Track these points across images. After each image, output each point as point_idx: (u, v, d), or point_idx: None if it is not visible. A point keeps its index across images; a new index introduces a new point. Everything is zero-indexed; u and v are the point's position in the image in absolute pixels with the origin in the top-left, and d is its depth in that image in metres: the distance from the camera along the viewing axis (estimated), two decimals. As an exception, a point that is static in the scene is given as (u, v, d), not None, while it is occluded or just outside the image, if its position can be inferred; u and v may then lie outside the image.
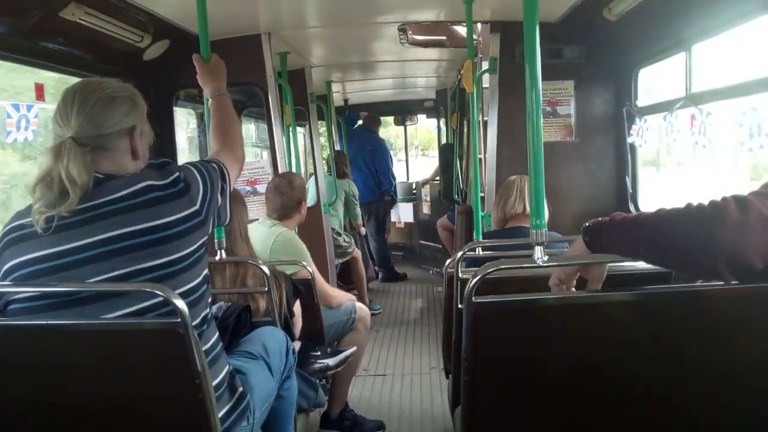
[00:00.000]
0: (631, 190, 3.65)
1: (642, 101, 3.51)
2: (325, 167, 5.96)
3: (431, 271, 7.12)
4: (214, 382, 1.60)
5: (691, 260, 1.24)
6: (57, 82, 2.93)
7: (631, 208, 3.62)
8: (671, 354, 1.41)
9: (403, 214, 7.94)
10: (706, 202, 1.23)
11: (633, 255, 1.34)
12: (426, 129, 13.85)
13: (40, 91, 2.71)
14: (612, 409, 1.46)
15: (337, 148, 6.69)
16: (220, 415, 1.58)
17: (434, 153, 10.61)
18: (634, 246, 1.32)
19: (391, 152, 7.90)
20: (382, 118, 7.75)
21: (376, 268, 7.04)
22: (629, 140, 3.55)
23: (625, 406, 1.45)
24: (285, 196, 3.28)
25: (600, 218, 1.41)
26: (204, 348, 1.56)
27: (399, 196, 7.69)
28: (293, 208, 3.32)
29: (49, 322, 1.47)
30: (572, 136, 3.69)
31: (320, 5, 3.53)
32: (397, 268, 7.17)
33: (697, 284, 1.47)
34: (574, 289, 1.51)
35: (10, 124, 2.57)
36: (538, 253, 1.43)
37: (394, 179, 7.17)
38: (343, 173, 6.08)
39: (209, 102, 2.16)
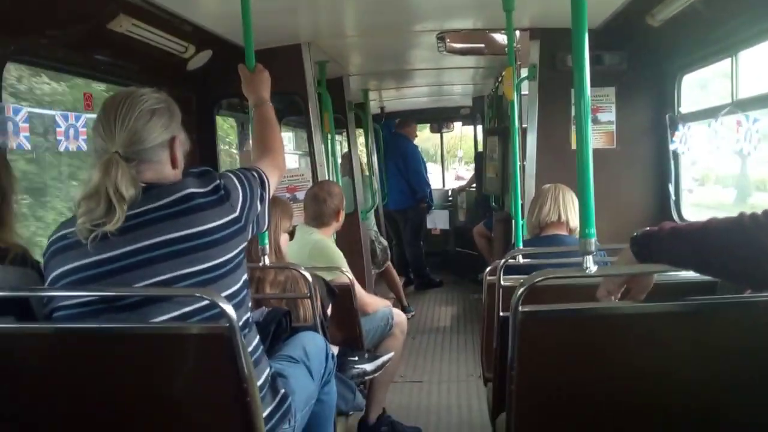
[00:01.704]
0: (674, 198, 3.58)
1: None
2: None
3: (467, 279, 7.08)
4: (257, 384, 1.61)
5: (744, 269, 1.22)
6: (104, 92, 3.02)
7: (675, 216, 3.55)
8: (721, 365, 1.39)
9: (438, 221, 7.92)
10: (759, 212, 1.21)
11: (683, 265, 1.32)
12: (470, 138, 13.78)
13: (88, 101, 2.80)
14: (659, 421, 1.43)
15: (375, 155, 6.72)
16: (263, 416, 1.60)
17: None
18: (685, 256, 1.30)
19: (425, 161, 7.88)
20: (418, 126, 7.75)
21: (411, 275, 7.04)
22: (672, 147, 3.49)
23: (673, 418, 1.43)
24: (323, 204, 3.32)
25: (649, 228, 1.39)
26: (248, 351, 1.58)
27: (435, 203, 7.68)
28: (331, 216, 3.35)
29: (97, 325, 1.50)
30: (613, 143, 3.64)
31: (359, 14, 3.56)
32: (433, 275, 7.15)
33: (746, 295, 1.45)
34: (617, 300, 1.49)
35: (59, 133, 2.65)
36: (588, 262, 1.42)
37: (429, 186, 7.16)
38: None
39: (252, 111, 2.19)
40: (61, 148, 2.67)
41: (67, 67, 2.74)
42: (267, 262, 2.31)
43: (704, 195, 4.02)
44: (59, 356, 1.51)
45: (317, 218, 3.35)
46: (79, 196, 1.56)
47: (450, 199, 8.13)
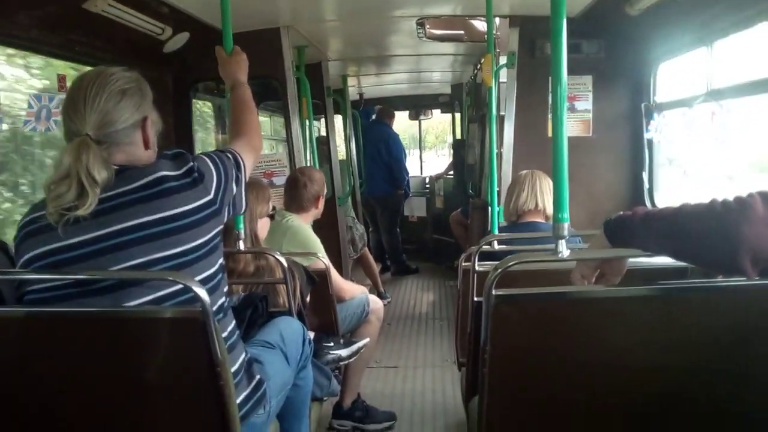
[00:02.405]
0: (648, 186, 3.62)
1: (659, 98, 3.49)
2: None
3: (443, 266, 7.12)
4: (232, 370, 1.61)
5: (715, 255, 1.24)
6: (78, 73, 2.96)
7: (648, 203, 3.60)
8: (691, 349, 1.41)
9: (416, 208, 7.94)
10: (731, 197, 1.23)
11: (656, 250, 1.34)
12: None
13: (62, 83, 2.74)
14: (629, 403, 1.45)
15: (353, 141, 6.70)
16: (237, 401, 1.59)
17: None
18: (657, 240, 1.32)
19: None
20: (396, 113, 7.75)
21: (388, 261, 7.05)
22: (647, 136, 3.52)
23: (643, 401, 1.45)
24: (303, 189, 3.31)
25: (622, 213, 1.40)
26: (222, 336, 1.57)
27: (412, 190, 7.69)
28: (310, 202, 3.34)
29: (69, 309, 1.48)
30: (589, 131, 3.67)
31: (339, -2, 3.54)
32: (409, 261, 7.18)
33: (718, 280, 1.47)
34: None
35: (30, 114, 2.60)
36: (561, 246, 1.43)
37: (407, 173, 7.17)
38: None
39: (229, 93, 2.16)
40: (28, 129, 2.62)
41: (42, 47, 2.68)
42: (242, 247, 2.29)
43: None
44: (30, 340, 1.48)
45: (296, 203, 3.33)
46: (49, 179, 1.52)
47: (427, 186, 8.15)
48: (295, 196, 3.33)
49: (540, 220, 2.88)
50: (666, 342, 1.41)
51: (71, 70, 2.89)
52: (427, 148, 15.97)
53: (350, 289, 3.33)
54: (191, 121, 3.98)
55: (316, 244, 3.18)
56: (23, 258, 1.54)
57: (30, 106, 2.61)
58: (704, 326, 1.40)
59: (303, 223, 3.28)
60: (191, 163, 1.62)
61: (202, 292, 1.40)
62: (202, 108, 4.75)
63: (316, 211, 3.41)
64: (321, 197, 3.40)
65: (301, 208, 3.33)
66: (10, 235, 2.15)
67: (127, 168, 1.56)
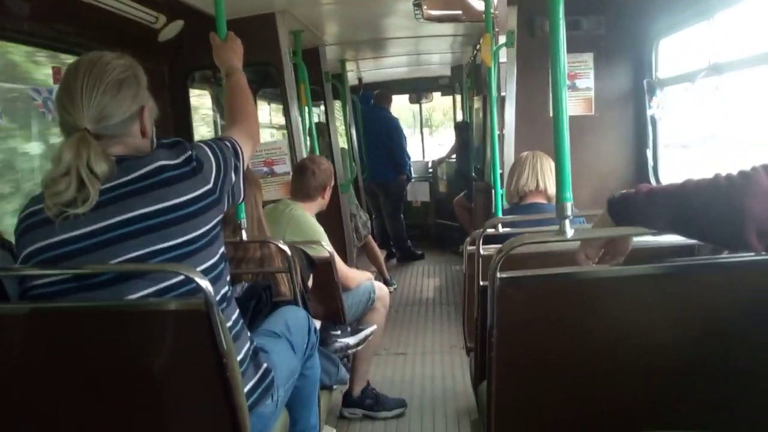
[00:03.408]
0: (652, 163, 3.59)
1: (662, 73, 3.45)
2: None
3: (448, 250, 7.11)
4: (237, 359, 1.60)
5: (721, 230, 1.22)
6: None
7: (653, 181, 3.57)
8: (700, 327, 1.40)
9: (419, 193, 7.91)
10: (735, 172, 1.21)
11: (661, 226, 1.32)
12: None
13: (57, 75, 2.73)
14: (639, 383, 1.45)
15: (353, 127, 6.67)
16: (244, 391, 1.59)
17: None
18: (662, 217, 1.30)
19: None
20: (396, 96, 7.70)
21: (393, 248, 7.04)
22: (649, 113, 3.49)
23: (652, 380, 1.44)
24: (311, 177, 3.30)
25: (625, 190, 1.39)
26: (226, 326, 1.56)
27: (415, 175, 7.66)
28: (317, 191, 3.33)
29: (72, 303, 1.48)
30: (591, 109, 3.63)
31: (334, -19, 3.50)
32: (414, 247, 7.17)
33: (724, 256, 1.45)
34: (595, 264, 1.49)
35: (39, 106, 2.63)
36: (565, 226, 1.41)
37: (409, 158, 7.14)
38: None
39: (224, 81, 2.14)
40: (50, 119, 2.65)
41: (33, 39, 2.65)
42: (245, 236, 2.28)
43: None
44: (34, 335, 1.48)
45: (302, 191, 3.32)
46: (48, 175, 1.50)
47: (430, 170, 8.11)
48: (302, 184, 3.32)
49: (542, 201, 2.86)
50: (674, 320, 1.40)
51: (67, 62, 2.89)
52: (434, 128, 15.72)
53: (356, 277, 3.32)
54: (189, 111, 3.95)
55: (320, 232, 3.16)
56: (23, 252, 1.53)
57: (34, 99, 2.62)
58: (713, 303, 1.39)
59: (306, 213, 3.27)
60: (190, 152, 1.60)
61: (204, 283, 1.39)
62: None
63: (322, 202, 3.39)
64: (328, 187, 3.38)
65: (308, 197, 3.31)
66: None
67: (125, 159, 1.54)
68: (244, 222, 2.28)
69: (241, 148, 1.78)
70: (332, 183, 3.45)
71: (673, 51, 3.44)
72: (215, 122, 4.87)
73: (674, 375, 1.43)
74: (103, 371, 1.49)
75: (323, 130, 5.34)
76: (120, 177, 1.51)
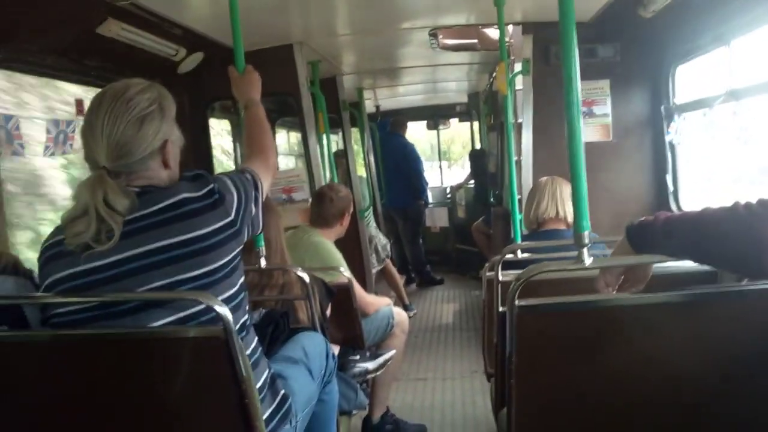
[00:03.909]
0: (672, 189, 3.57)
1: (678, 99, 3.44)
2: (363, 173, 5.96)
3: (468, 275, 7.08)
4: (256, 386, 1.61)
5: (740, 259, 1.21)
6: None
7: (673, 207, 3.55)
8: (720, 355, 1.38)
9: (437, 218, 7.91)
10: (754, 201, 1.20)
11: (679, 254, 1.32)
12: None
13: (80, 107, 2.79)
14: (660, 412, 1.42)
15: (371, 155, 6.72)
16: (263, 418, 1.59)
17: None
18: (680, 245, 1.29)
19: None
20: (413, 124, 7.74)
21: (412, 273, 7.03)
22: (668, 138, 3.48)
23: (674, 409, 1.42)
24: (330, 204, 3.32)
25: (644, 218, 1.38)
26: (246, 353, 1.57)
27: (433, 200, 7.67)
28: (335, 218, 3.35)
29: (93, 331, 1.49)
30: (609, 136, 3.63)
31: (350, 13, 3.55)
32: (434, 272, 7.15)
33: (744, 284, 1.44)
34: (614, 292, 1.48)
35: (49, 140, 2.65)
36: (583, 255, 1.41)
37: (426, 184, 7.17)
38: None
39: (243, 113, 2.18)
40: (47, 155, 2.67)
41: (57, 73, 2.73)
42: (263, 264, 2.30)
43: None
44: (55, 364, 1.50)
45: (321, 218, 3.34)
46: (66, 215, 1.52)
47: (449, 196, 8.12)
48: (321, 211, 3.35)
49: (562, 227, 2.85)
50: (695, 348, 1.38)
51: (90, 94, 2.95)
52: (453, 161, 15.51)
53: (374, 302, 3.32)
54: (209, 141, 4.02)
55: (339, 259, 3.18)
56: (47, 281, 1.55)
57: (48, 131, 2.66)
58: (734, 331, 1.37)
59: (325, 239, 3.28)
60: (212, 185, 1.61)
61: (224, 311, 1.41)
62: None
63: (340, 228, 3.41)
64: (347, 214, 3.41)
65: (327, 224, 3.34)
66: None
67: (148, 191, 1.56)
68: (262, 249, 2.30)
69: (260, 180, 1.80)
70: (351, 210, 3.47)
71: (690, 77, 3.44)
72: (235, 151, 4.93)
73: (696, 404, 1.41)
74: (123, 397, 1.50)
75: (341, 158, 5.39)
76: (143, 209, 1.52)
